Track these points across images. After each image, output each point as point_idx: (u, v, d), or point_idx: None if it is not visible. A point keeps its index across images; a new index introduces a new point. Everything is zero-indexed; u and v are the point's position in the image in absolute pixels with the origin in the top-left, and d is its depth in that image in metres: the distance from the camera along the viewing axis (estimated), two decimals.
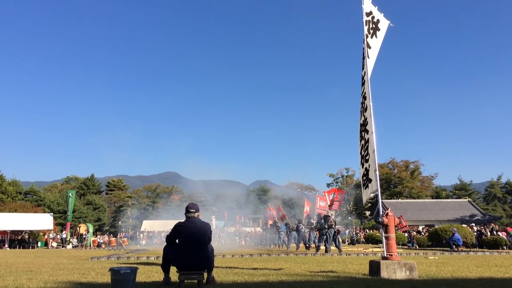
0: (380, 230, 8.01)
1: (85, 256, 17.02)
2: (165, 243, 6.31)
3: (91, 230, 39.01)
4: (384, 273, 7.07)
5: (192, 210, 6.05)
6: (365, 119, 8.68)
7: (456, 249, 20.45)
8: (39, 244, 37.27)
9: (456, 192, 66.08)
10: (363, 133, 8.79)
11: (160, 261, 6.82)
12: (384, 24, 9.23)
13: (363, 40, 9.20)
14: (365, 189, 8.62)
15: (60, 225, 48.39)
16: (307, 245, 21.11)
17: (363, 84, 9.04)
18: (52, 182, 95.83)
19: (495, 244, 22.98)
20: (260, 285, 6.18)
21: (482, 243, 24.05)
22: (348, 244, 33.33)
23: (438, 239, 24.83)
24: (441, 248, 22.18)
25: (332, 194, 26.22)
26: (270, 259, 13.47)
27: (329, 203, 25.56)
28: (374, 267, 7.43)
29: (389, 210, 7.89)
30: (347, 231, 42.05)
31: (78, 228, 39.94)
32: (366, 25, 9.20)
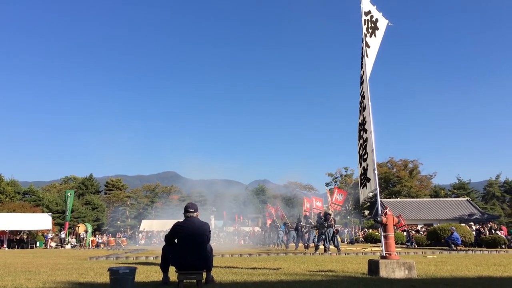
0: (379, 229, 8.02)
1: (84, 256, 17.00)
2: (163, 243, 6.31)
3: (89, 230, 38.96)
4: (383, 272, 7.08)
5: (191, 210, 6.06)
6: (364, 118, 8.69)
7: (455, 248, 20.48)
8: (37, 244, 37.23)
9: (455, 191, 66.16)
10: (361, 132, 8.80)
11: (159, 261, 6.82)
12: (383, 23, 9.24)
13: (362, 39, 9.21)
14: (362, 188, 8.63)
15: (58, 225, 48.32)
16: (306, 244, 21.11)
17: (362, 83, 9.04)
18: (51, 182, 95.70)
19: (493, 243, 23.02)
20: (259, 285, 6.18)
21: (481, 242, 24.09)
22: (347, 243, 33.35)
23: (436, 238, 24.87)
24: (440, 247, 22.21)
25: (341, 195, 26.16)
26: (269, 258, 13.47)
27: (333, 200, 25.47)
28: (373, 266, 7.43)
29: (387, 209, 7.90)
30: (346, 231, 42.08)
31: (76, 228, 39.88)
32: (364, 24, 9.20)
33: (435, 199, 57.68)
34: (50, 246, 36.33)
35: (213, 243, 8.72)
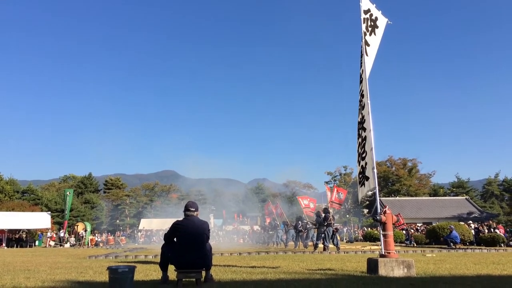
0: (378, 227, 8.03)
1: (83, 254, 17.01)
2: (163, 242, 6.32)
3: (88, 228, 38.96)
4: (382, 271, 7.09)
5: (192, 209, 6.08)
6: (363, 116, 8.69)
7: (453, 247, 20.52)
8: (36, 243, 37.22)
9: (454, 189, 66.23)
10: (360, 131, 8.81)
11: (158, 259, 6.82)
12: (382, 21, 9.24)
13: (361, 37, 9.21)
14: (361, 186, 8.65)
15: (57, 223, 48.31)
16: (305, 243, 21.12)
17: (361, 82, 9.05)
18: (50, 180, 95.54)
19: (492, 242, 23.05)
20: (258, 283, 6.19)
21: (480, 240, 24.14)
22: (346, 242, 33.40)
23: (435, 237, 24.92)
24: (439, 246, 22.24)
25: (341, 193, 25.93)
26: (268, 257, 13.48)
27: (333, 199, 25.28)
28: (372, 264, 7.45)
29: (387, 208, 7.91)
30: (345, 229, 42.17)
31: (75, 227, 39.86)
32: (364, 22, 9.20)
33: (434, 197, 57.75)
34: (49, 245, 36.30)
35: (212, 241, 8.72)
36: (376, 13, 9.21)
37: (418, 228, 34.15)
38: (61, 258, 14.35)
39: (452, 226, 22.84)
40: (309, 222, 21.82)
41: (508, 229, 30.63)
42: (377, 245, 23.13)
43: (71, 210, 48.71)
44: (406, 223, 31.75)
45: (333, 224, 18.05)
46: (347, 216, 66.73)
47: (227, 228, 53.40)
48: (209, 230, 6.15)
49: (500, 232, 26.20)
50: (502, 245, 22.76)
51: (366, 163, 8.32)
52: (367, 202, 59.78)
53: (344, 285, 5.96)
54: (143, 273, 7.91)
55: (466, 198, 53.73)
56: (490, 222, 36.53)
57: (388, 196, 60.50)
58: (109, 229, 62.61)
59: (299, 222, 22.03)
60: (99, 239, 39.48)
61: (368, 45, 9.01)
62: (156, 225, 52.44)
